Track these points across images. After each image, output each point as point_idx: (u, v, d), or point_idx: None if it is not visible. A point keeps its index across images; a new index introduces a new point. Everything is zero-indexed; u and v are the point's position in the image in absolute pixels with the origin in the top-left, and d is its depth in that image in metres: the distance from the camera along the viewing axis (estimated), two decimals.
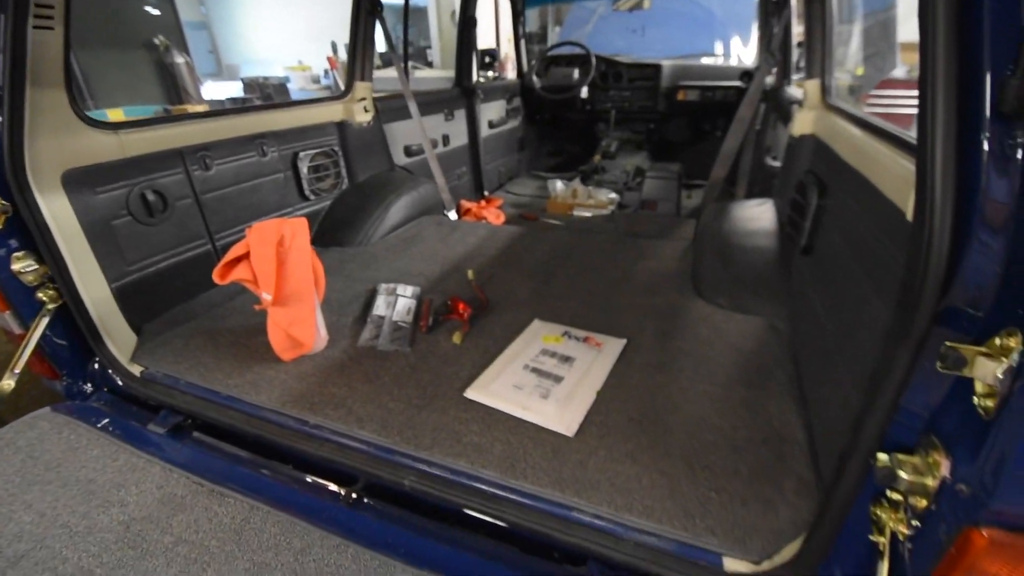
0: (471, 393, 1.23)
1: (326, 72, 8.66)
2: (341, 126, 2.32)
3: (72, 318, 1.36)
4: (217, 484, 1.06)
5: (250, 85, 7.40)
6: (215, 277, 1.27)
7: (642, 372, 1.31)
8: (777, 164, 2.30)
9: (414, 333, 1.48)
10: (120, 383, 1.38)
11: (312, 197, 2.18)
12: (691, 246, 2.08)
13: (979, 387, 0.53)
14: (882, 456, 0.62)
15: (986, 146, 0.52)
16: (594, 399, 1.21)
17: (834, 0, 1.88)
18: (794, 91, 2.35)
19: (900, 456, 0.61)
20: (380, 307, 1.59)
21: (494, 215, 2.72)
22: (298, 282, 1.31)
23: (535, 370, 1.31)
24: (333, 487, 1.10)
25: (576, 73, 3.60)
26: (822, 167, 1.57)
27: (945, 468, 0.57)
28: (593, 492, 0.97)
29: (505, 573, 0.89)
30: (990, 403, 0.51)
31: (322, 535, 0.94)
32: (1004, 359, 0.49)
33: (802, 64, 2.08)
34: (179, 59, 5.87)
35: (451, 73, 3.31)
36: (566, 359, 1.35)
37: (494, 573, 0.89)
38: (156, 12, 5.96)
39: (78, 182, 1.37)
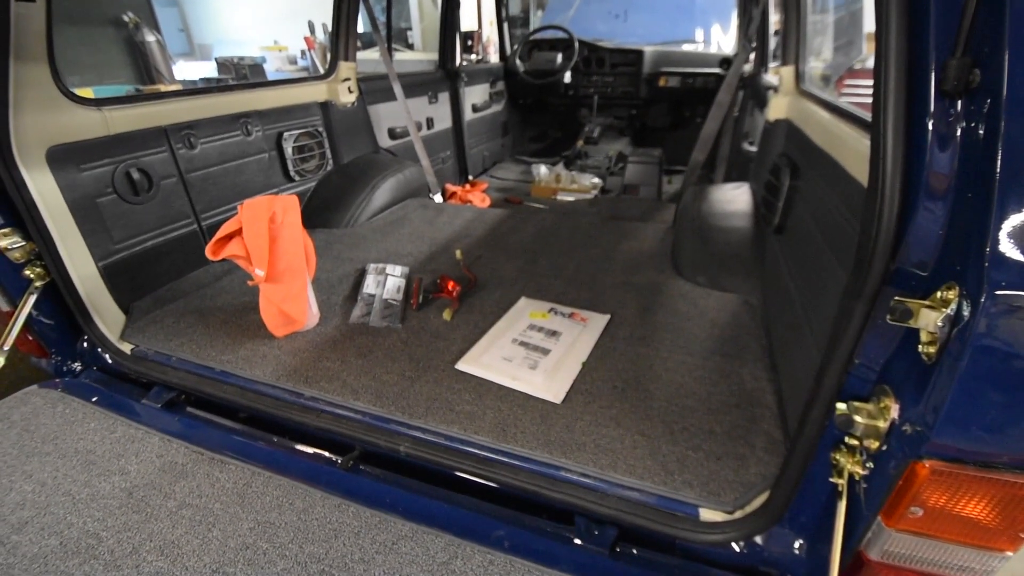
0: (462, 365, 1.28)
1: (303, 53, 8.44)
2: (325, 107, 2.31)
3: (60, 296, 1.36)
4: (216, 453, 1.09)
5: (224, 65, 7.18)
6: (208, 254, 1.28)
7: (625, 344, 1.38)
8: (754, 149, 2.38)
9: (404, 310, 1.52)
10: (110, 361, 1.39)
11: (297, 178, 2.18)
12: (671, 228, 2.15)
13: (923, 336, 0.60)
14: (840, 405, 0.69)
15: (930, 123, 0.58)
16: (580, 369, 1.27)
17: None
18: (770, 78, 2.42)
19: (856, 403, 0.68)
20: (370, 286, 1.62)
21: (479, 199, 2.75)
22: (291, 258, 1.34)
23: (523, 343, 1.37)
24: (330, 455, 1.14)
25: (559, 58, 3.62)
26: (795, 150, 1.65)
27: (894, 411, 0.64)
28: (580, 453, 1.03)
29: (499, 529, 0.95)
30: (932, 349, 0.58)
31: (323, 496, 0.99)
32: (944, 309, 0.56)
33: (779, 52, 2.16)
34: (150, 37, 5.67)
35: (432, 56, 3.30)
36: (553, 333, 1.41)
37: (489, 529, 0.95)
38: None
39: (63, 159, 1.36)
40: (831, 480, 0.73)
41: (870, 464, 0.69)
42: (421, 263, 1.84)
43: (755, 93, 2.60)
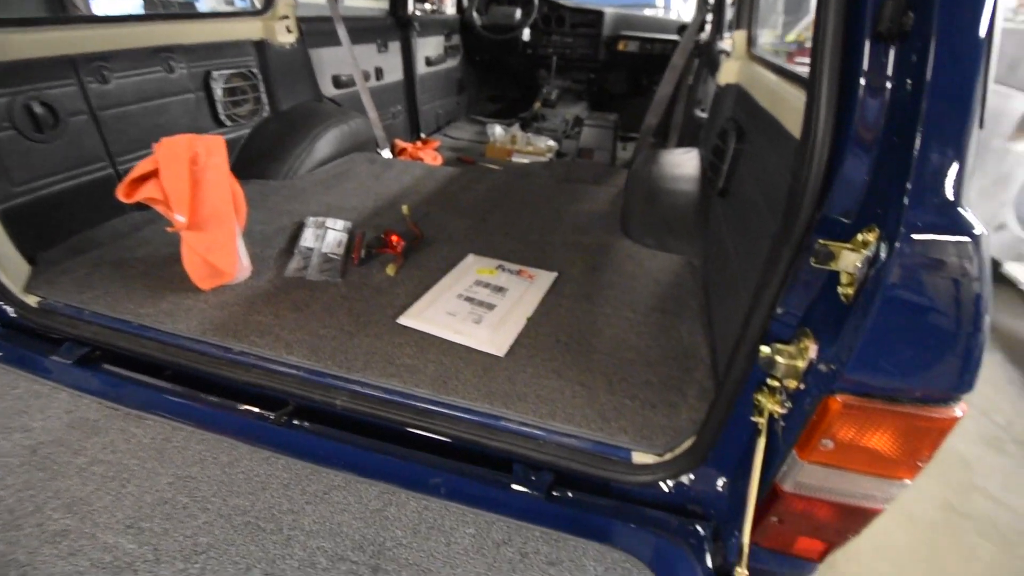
0: (405, 320, 1.24)
1: None
2: (260, 46, 2.13)
3: None
4: (133, 408, 1.02)
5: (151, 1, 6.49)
6: (119, 195, 1.17)
7: (571, 301, 1.38)
8: (705, 115, 2.41)
9: (345, 265, 1.46)
10: (12, 314, 1.26)
11: (228, 123, 2.02)
12: (622, 191, 2.16)
13: (843, 278, 0.62)
14: (764, 348, 0.71)
15: (864, 69, 0.59)
16: (524, 324, 1.27)
17: None
18: (724, 45, 2.43)
19: (779, 346, 0.70)
20: (308, 239, 1.54)
21: (431, 156, 2.66)
22: (216, 204, 1.24)
23: (469, 299, 1.34)
24: (261, 411, 1.09)
25: (518, 13, 3.49)
26: (742, 114, 1.67)
27: (813, 352, 0.67)
28: (520, 403, 1.03)
29: (436, 477, 0.95)
30: (850, 291, 0.60)
31: (251, 450, 0.95)
32: (863, 251, 0.58)
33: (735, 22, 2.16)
34: None
35: (382, 3, 3.10)
36: (499, 289, 1.40)
37: (425, 477, 0.94)
38: None
39: None
40: (752, 419, 0.77)
41: (788, 403, 0.72)
42: (365, 218, 1.76)
43: (710, 60, 2.61)
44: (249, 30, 2.08)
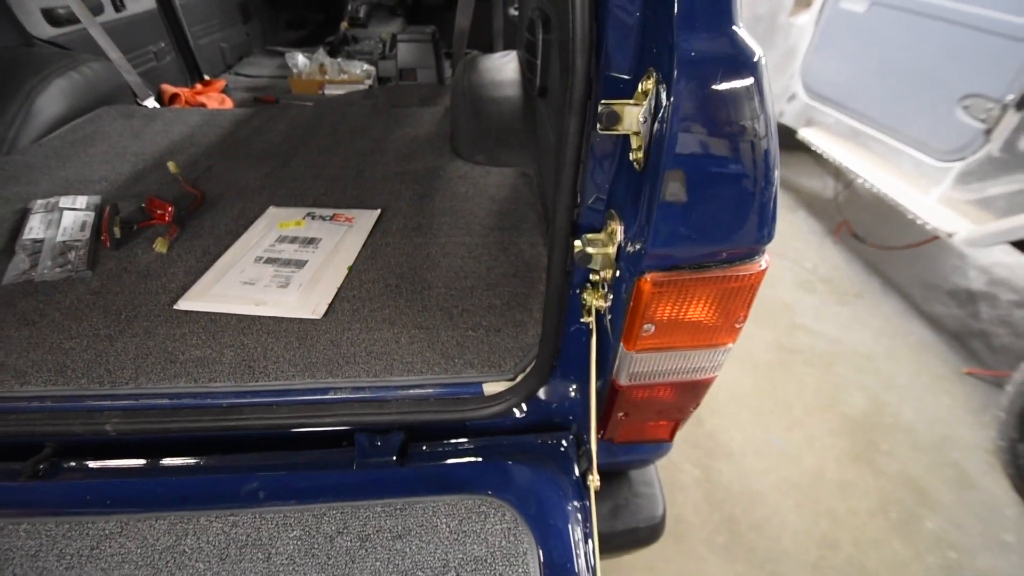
0: (185, 303, 0.99)
1: None
2: None
3: None
4: None
5: None
6: None
7: (399, 238, 1.22)
8: (517, 13, 2.25)
9: (94, 252, 1.12)
10: None
11: None
12: (448, 109, 1.97)
13: (633, 142, 0.53)
14: (577, 242, 0.63)
15: None
16: (345, 275, 1.09)
17: None
18: None
19: (589, 236, 0.62)
20: (35, 229, 1.15)
21: (216, 100, 2.19)
22: None
23: (271, 260, 1.11)
24: (8, 465, 0.81)
25: None
26: (545, 1, 1.54)
27: (620, 233, 0.59)
28: (349, 366, 0.89)
29: (252, 481, 0.78)
30: (640, 154, 0.52)
31: None
32: (645, 102, 0.49)
33: None
34: None
35: None
36: (310, 241, 1.18)
37: (237, 487, 0.77)
38: None
39: None
40: (581, 320, 0.70)
41: (611, 296, 0.66)
42: (121, 188, 1.37)
43: None
44: None
